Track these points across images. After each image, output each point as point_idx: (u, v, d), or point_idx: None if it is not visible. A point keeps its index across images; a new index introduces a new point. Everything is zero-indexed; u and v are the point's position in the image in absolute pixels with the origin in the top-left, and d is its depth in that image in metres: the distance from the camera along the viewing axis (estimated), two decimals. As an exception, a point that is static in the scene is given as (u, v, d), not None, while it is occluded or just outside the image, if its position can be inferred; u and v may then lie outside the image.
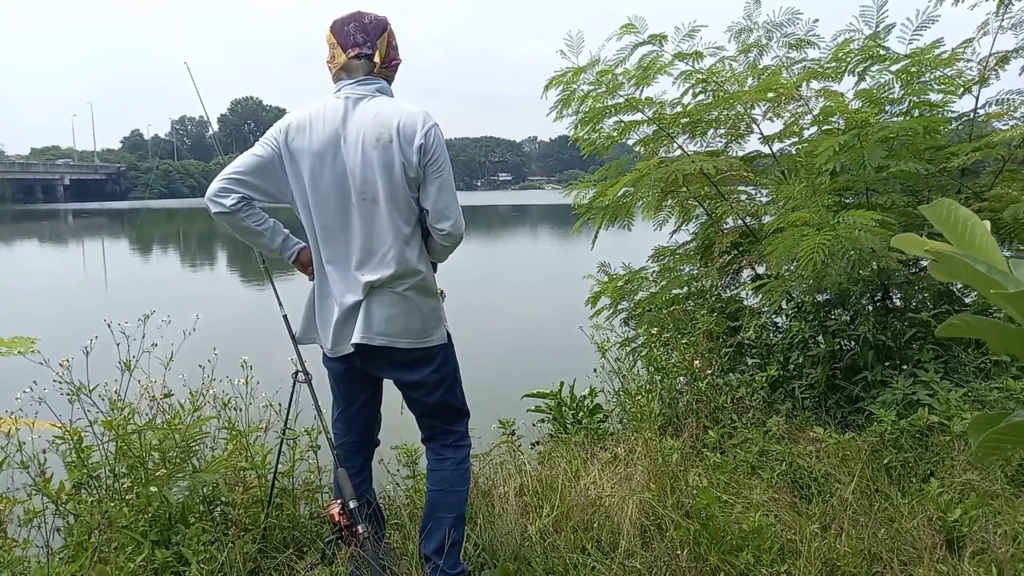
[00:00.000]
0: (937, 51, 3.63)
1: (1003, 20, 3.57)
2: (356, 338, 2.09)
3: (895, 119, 3.74)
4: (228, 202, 2.05)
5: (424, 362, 2.19)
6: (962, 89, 3.66)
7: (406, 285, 2.11)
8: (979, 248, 0.72)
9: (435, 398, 2.25)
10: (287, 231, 2.21)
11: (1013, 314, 0.69)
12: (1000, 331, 0.72)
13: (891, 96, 3.72)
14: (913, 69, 3.61)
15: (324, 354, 2.26)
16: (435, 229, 2.11)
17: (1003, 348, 0.81)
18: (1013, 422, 0.73)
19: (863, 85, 3.79)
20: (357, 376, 2.26)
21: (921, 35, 3.63)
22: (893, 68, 3.68)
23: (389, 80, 2.19)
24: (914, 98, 3.67)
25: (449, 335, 2.26)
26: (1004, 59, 3.65)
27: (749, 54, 4.21)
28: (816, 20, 4.05)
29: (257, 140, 2.13)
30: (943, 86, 3.66)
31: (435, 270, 2.25)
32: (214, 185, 2.07)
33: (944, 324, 0.74)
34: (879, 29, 3.68)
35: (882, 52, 3.68)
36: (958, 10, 3.72)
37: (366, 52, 2.10)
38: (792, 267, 3.34)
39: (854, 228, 3.07)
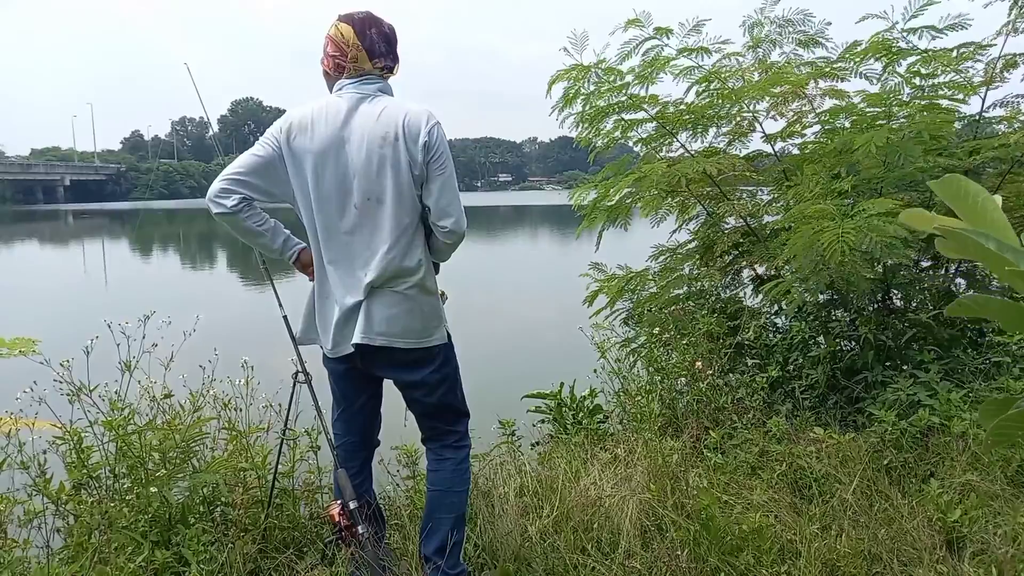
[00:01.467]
0: (958, 51, 3.60)
1: (1015, 23, 3.54)
2: (356, 338, 2.09)
3: (902, 120, 3.73)
4: (229, 203, 2.05)
5: (424, 362, 2.19)
6: (968, 92, 3.64)
7: (407, 284, 2.11)
8: (991, 224, 0.71)
9: (435, 398, 2.25)
10: (287, 231, 2.21)
11: None
12: (1010, 310, 0.71)
13: (901, 100, 3.70)
14: (923, 70, 3.60)
15: (324, 354, 2.26)
16: (437, 227, 2.11)
17: (1014, 328, 0.80)
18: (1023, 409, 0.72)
19: (891, 82, 3.76)
20: (357, 376, 2.26)
21: (946, 34, 3.60)
22: (903, 64, 3.66)
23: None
24: (921, 101, 3.66)
25: (449, 335, 2.26)
26: (1011, 63, 3.62)
27: (759, 48, 4.20)
28: (829, 23, 4.04)
29: (257, 140, 2.13)
30: (950, 91, 3.64)
31: (437, 271, 2.25)
32: (215, 186, 2.06)
33: (953, 303, 0.72)
34: (911, 25, 3.64)
35: (901, 46, 3.66)
36: (990, 14, 3.69)
37: (389, 64, 2.14)
38: (810, 261, 3.27)
39: (874, 217, 3.03)
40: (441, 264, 2.28)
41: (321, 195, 2.06)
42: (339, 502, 2.27)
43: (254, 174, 2.07)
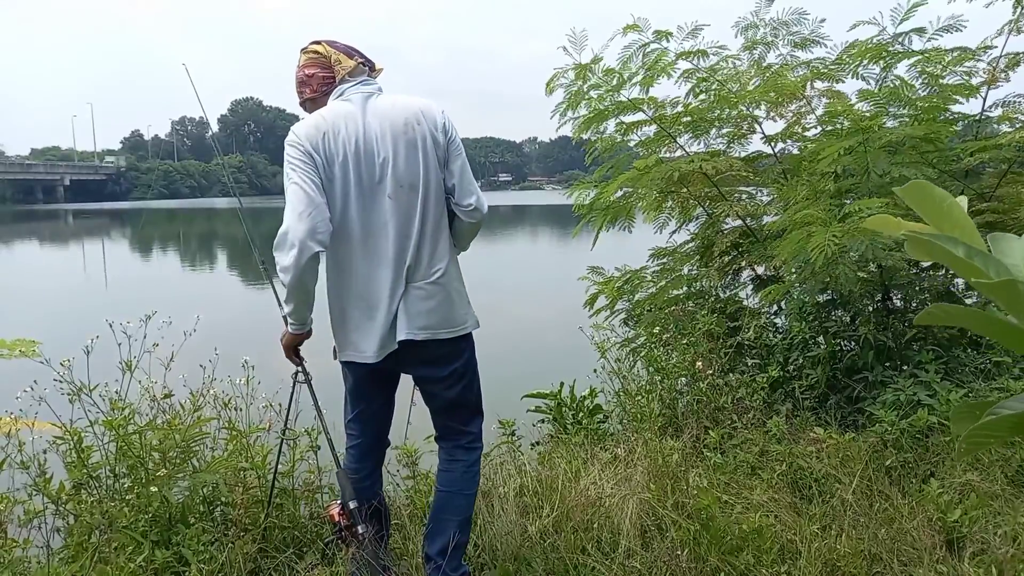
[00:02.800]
0: (957, 53, 3.60)
1: (1018, 23, 3.53)
2: (401, 335, 2.09)
3: (901, 119, 3.73)
4: (327, 240, 1.99)
5: (454, 356, 2.22)
6: (970, 92, 3.64)
7: (440, 271, 2.14)
8: (958, 228, 0.70)
9: (455, 392, 2.25)
10: None
11: (997, 303, 0.66)
12: (982, 320, 0.69)
13: (902, 96, 3.70)
14: (929, 69, 3.59)
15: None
16: (461, 207, 2.16)
17: (988, 336, 0.78)
18: (1001, 416, 0.69)
19: (892, 84, 3.76)
20: (379, 376, 2.25)
21: (942, 35, 3.60)
22: (902, 65, 3.66)
23: None
24: (923, 104, 3.66)
25: (478, 321, 2.29)
26: (1014, 62, 3.62)
27: (754, 51, 4.20)
28: (823, 20, 4.04)
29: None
30: (951, 93, 3.64)
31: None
32: (310, 223, 1.94)
33: (923, 313, 0.71)
34: (903, 31, 3.64)
35: (898, 49, 3.66)
36: (986, 16, 3.68)
37: (367, 62, 2.22)
38: (801, 264, 3.29)
39: (864, 219, 3.03)
40: (463, 253, 2.32)
41: (362, 195, 2.06)
42: (338, 502, 2.27)
43: (324, 198, 2.02)
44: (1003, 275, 0.65)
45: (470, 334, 2.26)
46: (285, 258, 1.96)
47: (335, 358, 2.25)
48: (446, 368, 2.21)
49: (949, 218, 0.71)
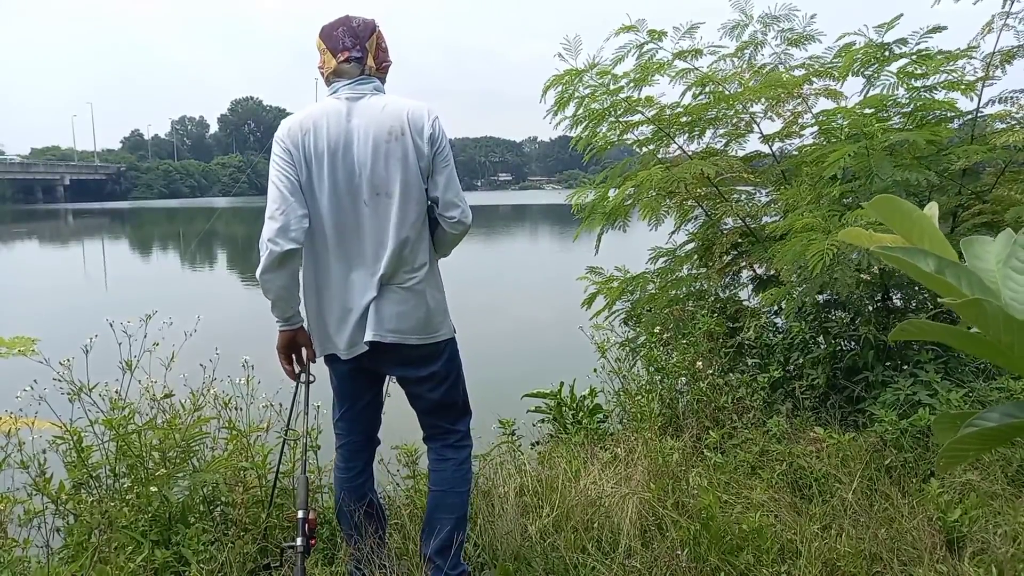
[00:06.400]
0: (946, 53, 3.61)
1: (1008, 18, 3.53)
2: (368, 336, 2.09)
3: (897, 121, 3.72)
4: (302, 236, 2.01)
5: (432, 358, 2.20)
6: (965, 87, 3.64)
7: (416, 280, 2.12)
8: (928, 241, 0.70)
9: (439, 394, 2.25)
10: None
11: (967, 319, 0.64)
12: (955, 335, 0.68)
13: (897, 100, 3.70)
14: (917, 71, 3.60)
15: (328, 354, 2.25)
16: (445, 218, 2.13)
17: (964, 349, 0.77)
18: (980, 429, 0.68)
19: (874, 91, 3.76)
20: (362, 375, 2.25)
21: (931, 38, 3.61)
22: (894, 66, 3.66)
23: (382, 81, 2.20)
24: (919, 102, 3.66)
25: (454, 329, 2.27)
26: (1009, 56, 3.61)
27: (745, 51, 4.19)
28: (814, 16, 4.03)
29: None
30: (946, 90, 3.64)
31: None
32: (279, 221, 1.98)
33: (896, 329, 0.70)
34: (887, 41, 3.65)
35: (886, 53, 3.67)
36: (968, 18, 3.69)
37: (356, 55, 2.11)
38: (799, 271, 3.30)
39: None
40: (443, 259, 2.29)
41: (337, 194, 2.06)
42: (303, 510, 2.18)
43: (299, 196, 2.04)
44: (974, 285, 0.65)
45: (451, 341, 2.25)
46: (261, 256, 2.01)
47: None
48: (424, 369, 2.20)
49: (919, 230, 0.71)
